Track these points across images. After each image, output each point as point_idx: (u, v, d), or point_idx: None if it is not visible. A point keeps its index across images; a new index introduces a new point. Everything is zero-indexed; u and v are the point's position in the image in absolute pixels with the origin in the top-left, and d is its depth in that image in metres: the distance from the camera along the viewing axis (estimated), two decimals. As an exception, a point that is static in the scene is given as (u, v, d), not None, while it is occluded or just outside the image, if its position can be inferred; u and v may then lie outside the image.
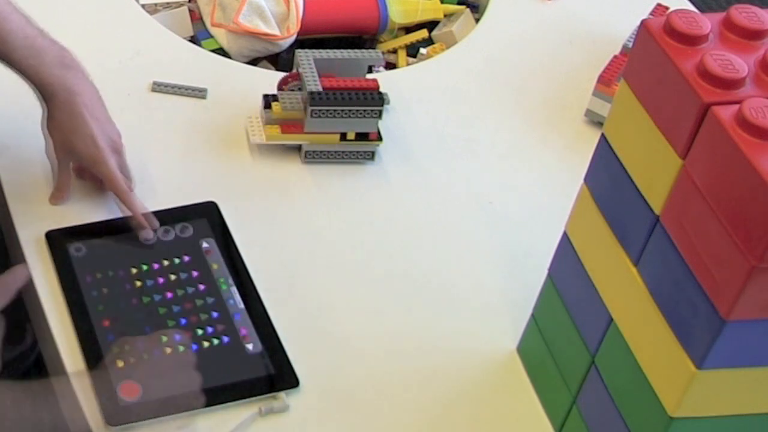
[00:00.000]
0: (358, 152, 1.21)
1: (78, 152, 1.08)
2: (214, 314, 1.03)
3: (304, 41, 1.43)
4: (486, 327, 1.07)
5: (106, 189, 1.11)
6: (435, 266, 1.13)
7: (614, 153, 0.84)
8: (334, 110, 1.17)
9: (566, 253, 0.93)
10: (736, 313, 0.73)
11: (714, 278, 0.73)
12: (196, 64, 1.32)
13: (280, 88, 1.23)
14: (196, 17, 1.45)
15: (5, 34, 1.05)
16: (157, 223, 1.09)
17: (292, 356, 1.00)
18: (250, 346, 1.01)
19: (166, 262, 1.07)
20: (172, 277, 1.05)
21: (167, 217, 1.11)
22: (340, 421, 0.98)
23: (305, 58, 1.21)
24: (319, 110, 1.17)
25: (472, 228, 1.17)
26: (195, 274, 1.06)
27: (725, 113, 0.72)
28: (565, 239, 0.93)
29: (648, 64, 0.79)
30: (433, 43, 1.49)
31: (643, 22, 0.79)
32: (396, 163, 1.23)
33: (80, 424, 0.91)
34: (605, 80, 1.28)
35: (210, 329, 1.01)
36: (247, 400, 0.97)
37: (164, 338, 0.99)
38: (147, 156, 1.18)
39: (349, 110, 1.17)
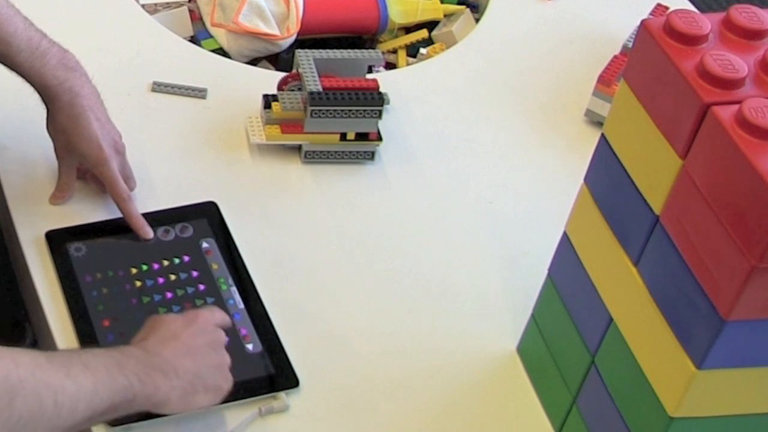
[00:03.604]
0: (358, 152, 1.21)
1: (81, 153, 1.09)
2: (214, 314, 1.03)
3: (304, 41, 1.43)
4: (486, 327, 1.07)
5: (107, 191, 1.11)
6: (435, 266, 1.13)
7: (614, 153, 0.84)
8: (334, 110, 1.17)
9: (566, 253, 0.93)
10: (736, 313, 0.73)
11: (714, 278, 0.73)
12: (196, 64, 1.32)
13: (280, 88, 1.23)
14: (196, 17, 1.45)
15: (8, 37, 1.05)
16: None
17: (292, 356, 1.00)
18: (250, 346, 1.00)
19: (166, 262, 1.07)
20: (172, 277, 1.05)
21: (167, 217, 1.11)
22: (340, 421, 0.98)
23: (305, 58, 1.21)
24: (319, 110, 1.17)
25: (472, 228, 1.17)
26: (195, 274, 1.06)
27: (725, 113, 0.72)
28: (565, 239, 0.93)
29: (648, 64, 0.79)
30: (433, 43, 1.49)
31: (643, 22, 0.79)
32: (396, 163, 1.23)
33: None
34: (605, 80, 1.28)
35: (210, 329, 1.01)
36: (247, 400, 0.96)
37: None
38: (147, 156, 1.18)
39: (349, 110, 1.17)
